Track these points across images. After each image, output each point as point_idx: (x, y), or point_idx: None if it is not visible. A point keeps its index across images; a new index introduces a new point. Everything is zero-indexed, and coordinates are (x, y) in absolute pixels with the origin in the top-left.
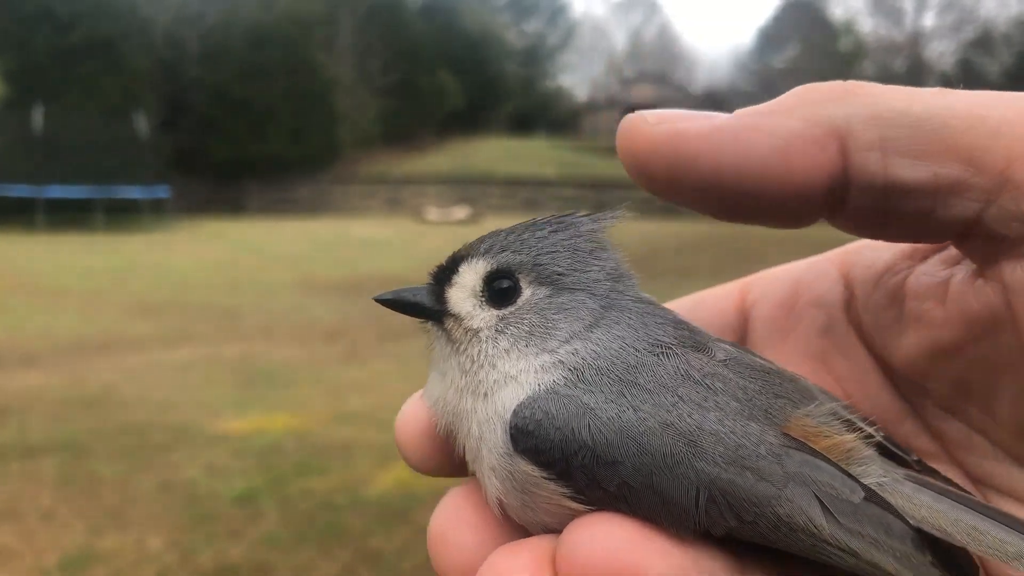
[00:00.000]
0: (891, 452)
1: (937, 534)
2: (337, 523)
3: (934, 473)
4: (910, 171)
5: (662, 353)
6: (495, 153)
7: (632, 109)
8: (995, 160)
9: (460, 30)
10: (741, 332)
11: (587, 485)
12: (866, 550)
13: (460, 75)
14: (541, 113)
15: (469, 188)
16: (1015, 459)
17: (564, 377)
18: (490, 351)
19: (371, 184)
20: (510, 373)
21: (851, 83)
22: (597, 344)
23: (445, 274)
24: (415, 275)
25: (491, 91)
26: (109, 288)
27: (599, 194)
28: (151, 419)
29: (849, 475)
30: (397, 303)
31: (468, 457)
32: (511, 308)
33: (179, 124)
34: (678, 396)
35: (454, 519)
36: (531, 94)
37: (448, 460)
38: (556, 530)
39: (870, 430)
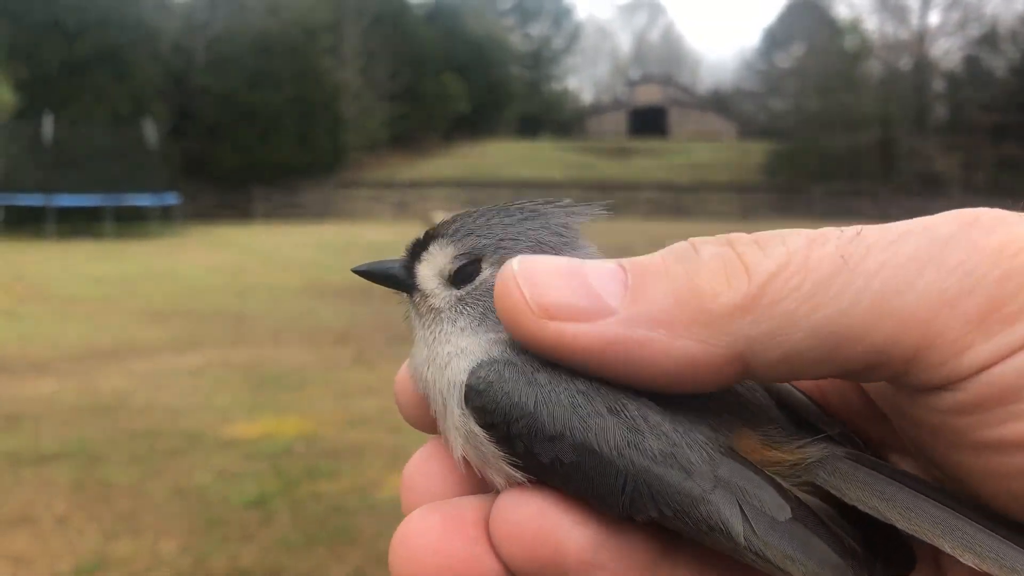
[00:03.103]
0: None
1: (870, 512)
2: (348, 526)
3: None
4: (817, 371)
5: None
6: (502, 156)
7: (638, 111)
8: (903, 351)
9: (465, 35)
10: None
11: (524, 453)
12: (781, 562)
13: (466, 79)
14: (547, 116)
15: (476, 191)
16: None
17: (516, 354)
18: (448, 329)
19: (378, 189)
20: (462, 347)
21: (752, 290)
22: None
23: (417, 250)
24: None
25: (497, 94)
26: (119, 295)
27: (606, 195)
28: (163, 425)
29: (783, 492)
30: (373, 274)
31: (437, 417)
32: (469, 287)
33: (187, 132)
34: (626, 391)
35: (424, 467)
36: (537, 97)
37: (431, 417)
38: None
39: (826, 429)
